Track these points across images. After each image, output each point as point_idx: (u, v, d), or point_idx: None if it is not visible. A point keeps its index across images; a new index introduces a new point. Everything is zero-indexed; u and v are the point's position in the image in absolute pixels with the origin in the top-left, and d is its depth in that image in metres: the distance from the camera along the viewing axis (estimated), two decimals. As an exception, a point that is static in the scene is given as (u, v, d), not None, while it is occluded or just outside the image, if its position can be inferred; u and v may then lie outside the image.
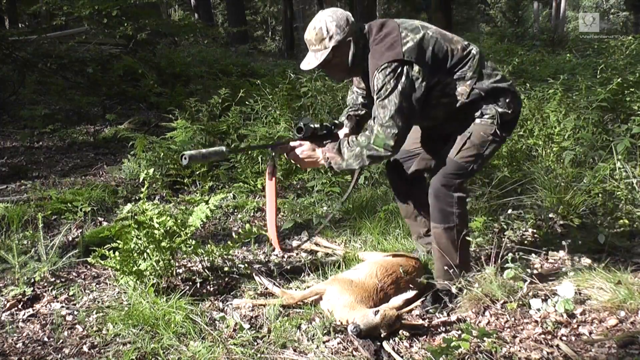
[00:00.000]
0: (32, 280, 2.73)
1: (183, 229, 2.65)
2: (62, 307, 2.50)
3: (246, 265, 2.91)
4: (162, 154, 4.36)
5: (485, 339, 1.97)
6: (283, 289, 2.55)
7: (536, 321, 2.20)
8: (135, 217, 2.62)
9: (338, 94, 4.85)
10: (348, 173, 2.48)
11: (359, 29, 2.31)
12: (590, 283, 2.44)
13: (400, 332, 2.15)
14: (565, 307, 2.22)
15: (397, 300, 2.22)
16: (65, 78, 7.34)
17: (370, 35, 2.30)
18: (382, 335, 2.10)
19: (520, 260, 2.38)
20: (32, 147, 5.84)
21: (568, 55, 7.14)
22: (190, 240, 2.65)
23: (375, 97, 2.25)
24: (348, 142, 2.34)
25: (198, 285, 2.62)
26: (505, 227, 3.20)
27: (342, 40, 2.26)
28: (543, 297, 2.34)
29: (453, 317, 2.30)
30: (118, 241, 2.57)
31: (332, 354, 2.03)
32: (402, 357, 2.01)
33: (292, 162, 2.54)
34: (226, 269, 2.82)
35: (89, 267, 2.93)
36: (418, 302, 2.31)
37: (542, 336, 2.11)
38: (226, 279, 2.74)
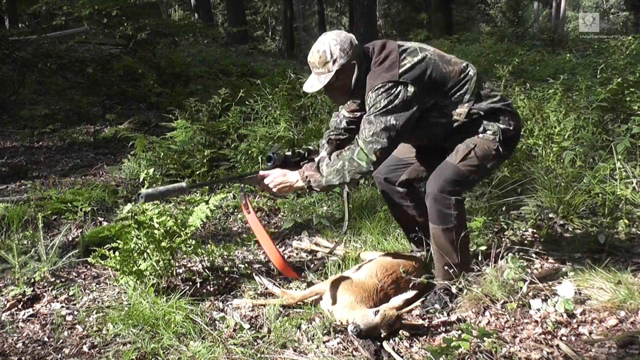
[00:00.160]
0: (32, 280, 2.73)
1: (183, 229, 2.66)
2: (62, 307, 2.50)
3: (246, 265, 2.92)
4: (162, 154, 4.36)
5: (485, 339, 1.98)
6: (283, 289, 2.55)
7: (536, 321, 2.20)
8: (135, 217, 2.62)
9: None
10: (328, 191, 2.43)
11: (362, 52, 2.33)
12: (590, 283, 2.44)
13: (400, 332, 2.15)
14: (565, 307, 2.22)
15: (397, 300, 2.22)
16: (65, 78, 7.34)
17: (372, 57, 2.32)
18: (382, 335, 2.10)
19: (520, 260, 2.38)
20: (32, 147, 5.84)
21: (568, 55, 7.14)
22: (190, 240, 2.65)
23: (366, 113, 2.26)
24: (329, 158, 2.34)
25: (198, 285, 2.62)
26: (505, 227, 3.21)
27: (345, 64, 2.27)
28: (543, 297, 2.34)
29: (453, 317, 2.30)
30: (118, 241, 2.57)
31: (332, 354, 2.03)
32: (402, 357, 2.01)
33: (265, 192, 2.51)
34: (226, 269, 2.82)
35: (89, 267, 2.93)
36: (418, 302, 2.32)
37: (542, 336, 2.11)
38: (226, 279, 2.74)
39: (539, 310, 2.26)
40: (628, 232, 3.06)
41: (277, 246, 3.19)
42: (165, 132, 4.78)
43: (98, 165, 5.19)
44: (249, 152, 4.21)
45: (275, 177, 2.40)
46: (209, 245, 2.79)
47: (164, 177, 4.27)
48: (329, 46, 2.27)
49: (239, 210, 3.86)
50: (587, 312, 2.28)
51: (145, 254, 2.55)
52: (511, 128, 2.36)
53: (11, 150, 5.75)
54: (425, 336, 2.17)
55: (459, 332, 2.15)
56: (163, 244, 2.54)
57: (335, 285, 2.37)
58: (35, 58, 6.95)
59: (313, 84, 2.33)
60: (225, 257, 2.94)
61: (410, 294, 2.25)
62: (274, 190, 2.42)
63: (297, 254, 3.16)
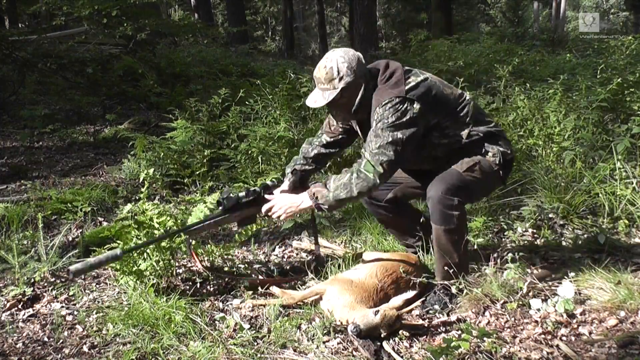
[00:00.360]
0: (32, 280, 2.73)
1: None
2: (62, 307, 2.51)
3: (246, 265, 2.91)
4: (162, 154, 4.36)
5: (485, 339, 1.98)
6: (283, 289, 2.55)
7: (536, 321, 2.20)
8: (135, 217, 2.62)
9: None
10: (339, 210, 2.40)
11: (368, 71, 2.35)
12: (590, 283, 2.44)
13: (400, 332, 2.15)
14: (565, 307, 2.22)
15: (397, 300, 2.22)
16: (65, 78, 7.35)
17: (378, 75, 2.35)
18: (382, 335, 2.10)
19: (520, 260, 2.38)
20: (32, 147, 5.84)
21: (568, 55, 7.13)
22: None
23: (372, 128, 2.27)
24: (335, 175, 2.33)
25: (198, 285, 2.62)
26: (505, 227, 3.21)
27: (351, 82, 2.28)
28: (543, 297, 2.34)
29: (453, 317, 2.30)
30: (118, 241, 2.57)
31: (332, 354, 2.03)
32: (402, 357, 2.01)
33: (269, 218, 2.45)
34: (226, 269, 2.82)
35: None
36: (418, 302, 2.31)
37: (542, 336, 2.11)
38: (226, 279, 2.74)
39: (539, 310, 2.26)
40: (628, 232, 3.06)
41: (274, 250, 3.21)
42: (165, 132, 4.78)
43: (98, 165, 5.19)
44: (249, 152, 4.22)
45: (279, 203, 2.37)
46: (208, 245, 2.79)
47: (164, 177, 4.27)
48: (337, 63, 2.28)
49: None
50: (587, 312, 2.28)
51: (145, 254, 2.55)
52: (509, 152, 2.45)
53: (11, 150, 5.75)
54: (425, 336, 2.17)
55: (459, 332, 2.15)
56: (163, 243, 2.54)
57: (335, 285, 2.37)
58: (35, 58, 6.95)
59: (317, 99, 2.34)
60: (225, 257, 2.94)
61: (410, 294, 2.25)
62: (283, 216, 2.39)
63: (297, 254, 3.16)
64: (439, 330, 2.21)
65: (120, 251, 2.25)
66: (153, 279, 2.52)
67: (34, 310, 2.50)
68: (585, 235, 3.10)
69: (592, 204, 3.34)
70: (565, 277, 2.48)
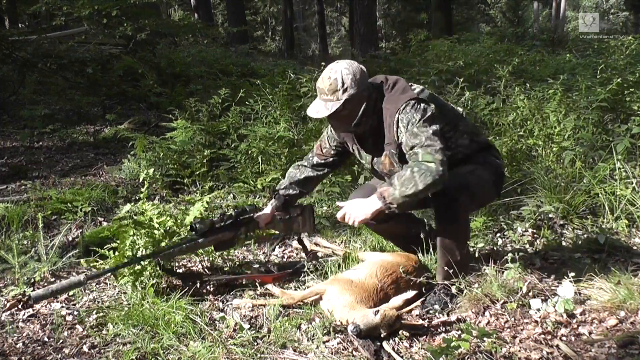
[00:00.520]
0: (32, 280, 2.73)
1: (182, 229, 2.66)
2: (62, 307, 2.50)
3: (246, 265, 2.91)
4: (162, 154, 4.36)
5: (485, 339, 1.98)
6: (283, 289, 2.55)
7: (536, 321, 2.20)
8: (134, 217, 2.62)
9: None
10: (410, 207, 2.37)
11: (370, 84, 2.37)
12: (590, 283, 2.45)
13: (400, 332, 2.15)
14: (565, 307, 2.22)
15: (397, 300, 2.21)
16: (65, 78, 7.34)
17: (381, 86, 2.39)
18: (382, 335, 2.10)
19: (520, 260, 2.38)
20: (32, 147, 5.84)
21: (568, 55, 7.12)
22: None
23: (405, 134, 2.25)
24: (398, 172, 2.27)
25: (198, 285, 2.62)
26: (505, 227, 3.21)
27: (355, 94, 2.29)
28: (543, 297, 2.34)
29: (453, 317, 2.30)
30: (117, 241, 2.57)
31: (332, 354, 2.03)
32: (402, 357, 2.01)
33: (345, 225, 2.39)
34: (226, 269, 2.82)
35: (89, 267, 2.93)
36: (418, 302, 2.31)
37: (542, 336, 2.11)
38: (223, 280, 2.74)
39: (539, 310, 2.26)
40: (628, 232, 3.07)
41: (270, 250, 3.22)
42: (165, 132, 4.77)
43: (98, 165, 5.19)
44: (249, 152, 4.21)
45: (351, 209, 2.32)
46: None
47: (164, 177, 4.27)
48: (341, 74, 2.29)
49: (239, 210, 3.86)
50: (587, 312, 2.28)
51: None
52: (502, 165, 2.53)
53: (11, 150, 5.74)
54: (425, 336, 2.17)
55: (459, 332, 2.15)
56: (163, 244, 2.54)
57: (335, 285, 2.37)
58: (35, 58, 6.95)
59: (319, 109, 2.34)
60: (225, 257, 2.94)
61: (410, 294, 2.25)
62: (357, 221, 2.31)
63: (297, 254, 3.16)
64: (439, 330, 2.21)
65: (84, 277, 2.27)
66: (153, 279, 2.52)
67: (34, 310, 2.49)
68: (585, 235, 3.10)
69: (592, 204, 3.34)
70: (565, 277, 2.48)
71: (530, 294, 2.36)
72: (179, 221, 2.73)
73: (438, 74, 6.20)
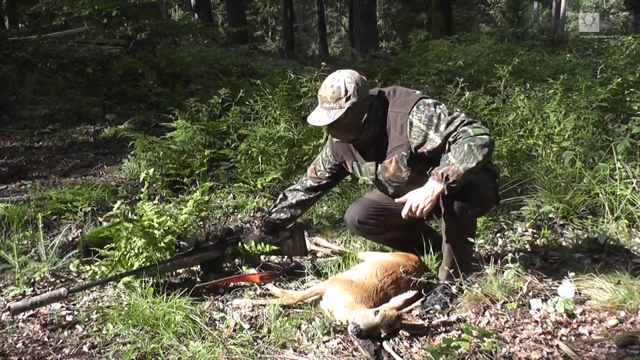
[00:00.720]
0: (32, 280, 2.73)
1: (181, 229, 2.66)
2: (62, 307, 2.50)
3: (247, 266, 2.91)
4: (162, 153, 4.36)
5: (485, 339, 1.98)
6: (283, 289, 2.55)
7: (536, 321, 2.20)
8: (126, 216, 2.62)
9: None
10: (468, 181, 2.34)
11: (371, 95, 2.40)
12: (590, 283, 2.45)
13: (400, 332, 2.15)
14: (565, 307, 2.22)
15: (397, 300, 2.22)
16: (65, 78, 7.34)
17: (382, 94, 2.42)
18: (382, 335, 2.10)
19: (520, 260, 2.38)
20: (32, 147, 5.84)
21: (568, 55, 7.13)
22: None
23: (432, 129, 2.28)
24: (449, 149, 2.25)
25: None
26: (505, 227, 3.21)
27: (357, 102, 2.31)
28: (543, 297, 2.34)
29: (453, 317, 2.30)
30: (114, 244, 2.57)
31: (332, 354, 2.03)
32: (402, 357, 2.01)
33: (413, 217, 2.30)
34: (226, 269, 2.82)
35: (88, 267, 2.93)
36: (418, 302, 2.31)
37: (542, 336, 2.11)
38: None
39: (539, 310, 2.26)
40: (628, 232, 3.07)
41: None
42: (165, 132, 4.77)
43: (98, 165, 5.19)
44: (249, 152, 4.21)
45: (415, 199, 2.23)
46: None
47: (164, 177, 4.27)
48: (344, 83, 2.31)
49: (239, 211, 3.87)
50: (587, 312, 2.28)
51: (138, 255, 2.55)
52: (498, 174, 2.56)
53: (11, 150, 5.74)
54: (425, 336, 2.17)
55: (459, 332, 2.15)
56: (162, 244, 2.54)
57: (335, 285, 2.37)
58: (35, 58, 6.94)
59: (321, 117, 2.35)
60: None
61: (410, 294, 2.25)
62: (426, 208, 2.22)
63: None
64: (439, 330, 2.21)
65: (64, 290, 2.28)
66: (152, 279, 2.51)
67: (34, 310, 2.49)
68: (585, 235, 3.10)
69: (592, 204, 3.34)
70: (565, 277, 2.48)
71: (530, 294, 2.36)
72: (178, 221, 2.73)
73: (438, 74, 6.20)
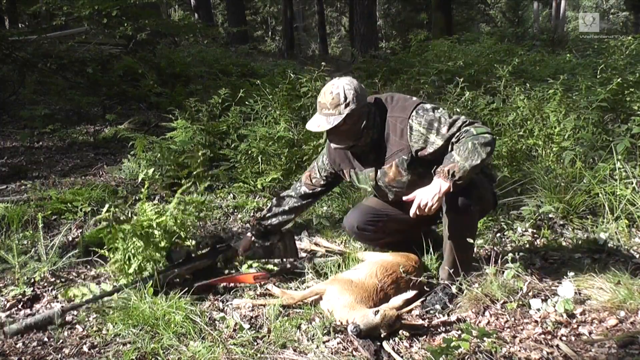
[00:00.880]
0: (32, 280, 2.73)
1: (182, 230, 2.66)
2: (62, 307, 2.50)
3: (247, 265, 2.91)
4: (160, 153, 4.36)
5: (485, 339, 1.98)
6: (283, 289, 2.55)
7: (536, 321, 2.20)
8: (118, 217, 2.62)
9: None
10: (472, 176, 2.33)
11: (369, 102, 2.42)
12: (590, 283, 2.45)
13: (400, 332, 2.15)
14: (565, 307, 2.22)
15: (397, 300, 2.22)
16: (65, 78, 7.34)
17: (379, 101, 2.44)
18: (382, 335, 2.10)
19: (520, 260, 2.38)
20: (32, 147, 5.84)
21: (568, 55, 7.12)
22: (190, 240, 2.65)
23: (432, 132, 2.30)
24: (452, 149, 2.25)
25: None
26: (505, 227, 3.21)
27: (356, 109, 2.33)
28: (543, 297, 2.34)
29: (453, 317, 2.30)
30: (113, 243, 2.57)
31: (332, 354, 2.03)
32: (402, 357, 2.01)
33: (422, 215, 2.28)
34: (226, 271, 2.81)
35: (88, 267, 2.94)
36: (418, 302, 2.32)
37: (542, 336, 2.11)
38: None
39: (539, 310, 2.26)
40: (628, 232, 3.06)
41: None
42: (165, 132, 4.77)
43: (98, 165, 5.19)
44: (249, 152, 4.21)
45: (423, 197, 2.21)
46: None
47: (164, 177, 4.27)
48: (343, 89, 2.33)
49: (239, 211, 3.87)
50: (587, 312, 2.28)
51: (134, 256, 2.55)
52: (496, 178, 2.59)
53: (11, 150, 5.74)
54: (425, 336, 2.17)
55: (459, 332, 2.15)
56: (162, 244, 2.54)
57: (335, 285, 2.37)
58: (35, 58, 6.94)
59: (320, 123, 2.36)
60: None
61: (410, 294, 2.25)
62: (434, 205, 2.22)
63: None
64: (439, 330, 2.21)
65: (59, 310, 2.29)
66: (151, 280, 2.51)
67: (34, 310, 2.49)
68: (585, 235, 3.10)
69: (592, 204, 3.34)
70: (565, 277, 2.48)
71: (530, 294, 2.36)
72: (178, 221, 2.73)
73: (438, 74, 6.20)
